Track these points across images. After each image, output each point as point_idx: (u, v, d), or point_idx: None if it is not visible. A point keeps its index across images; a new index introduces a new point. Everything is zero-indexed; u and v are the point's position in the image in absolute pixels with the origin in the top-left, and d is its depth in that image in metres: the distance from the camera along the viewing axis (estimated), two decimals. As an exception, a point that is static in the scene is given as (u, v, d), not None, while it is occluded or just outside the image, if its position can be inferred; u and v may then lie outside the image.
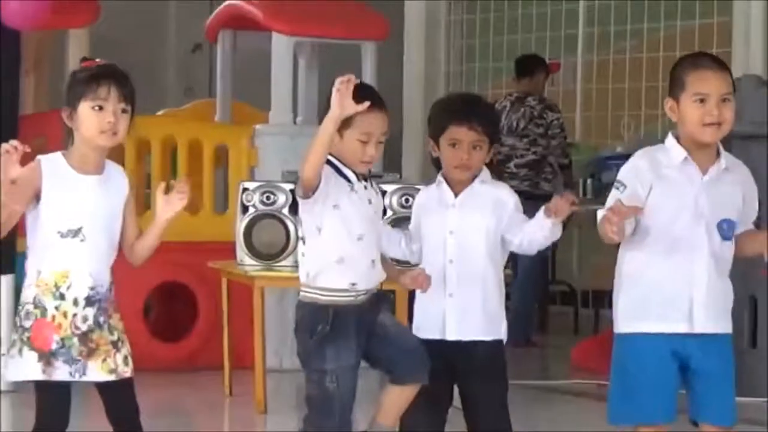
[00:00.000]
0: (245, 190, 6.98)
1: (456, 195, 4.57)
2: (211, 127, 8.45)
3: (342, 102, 4.09)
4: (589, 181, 9.72)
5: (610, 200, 4.28)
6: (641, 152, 4.40)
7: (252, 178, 7.52)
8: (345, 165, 4.34)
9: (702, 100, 4.21)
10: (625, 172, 4.33)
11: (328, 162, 4.27)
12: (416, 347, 4.39)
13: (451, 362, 4.55)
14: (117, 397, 4.15)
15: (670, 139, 4.32)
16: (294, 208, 6.84)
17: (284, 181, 7.12)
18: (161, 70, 13.74)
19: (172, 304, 7.72)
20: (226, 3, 8.59)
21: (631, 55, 10.62)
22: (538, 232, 4.51)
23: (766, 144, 7.38)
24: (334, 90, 4.15)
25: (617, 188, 4.28)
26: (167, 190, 4.14)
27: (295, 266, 6.79)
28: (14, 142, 3.95)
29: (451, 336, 4.52)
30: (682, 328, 4.24)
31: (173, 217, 4.18)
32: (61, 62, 8.03)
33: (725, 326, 4.31)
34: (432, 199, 4.66)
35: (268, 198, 6.92)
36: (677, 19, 10.28)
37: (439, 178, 4.64)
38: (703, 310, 4.24)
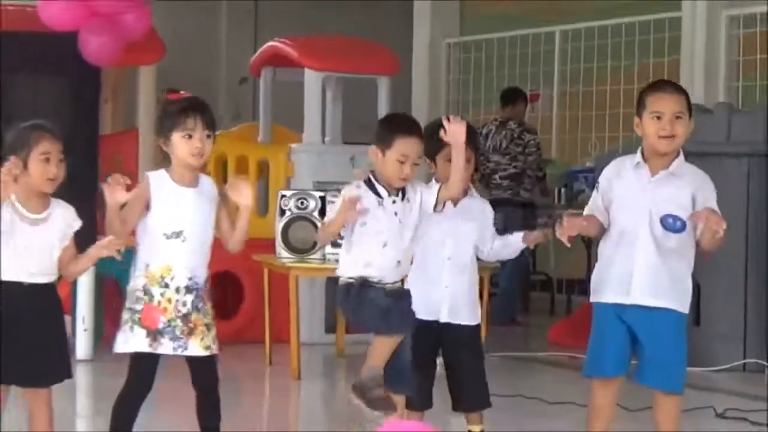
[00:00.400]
0: (283, 196, 6.99)
1: (454, 205, 4.56)
2: (255, 145, 8.43)
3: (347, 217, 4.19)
4: (562, 189, 9.76)
5: (592, 199, 4.38)
6: (616, 160, 4.44)
7: (288, 187, 7.49)
8: (380, 182, 4.35)
9: (658, 117, 4.23)
10: (602, 175, 4.41)
11: (368, 182, 4.32)
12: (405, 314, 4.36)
13: (440, 339, 4.60)
14: (204, 370, 4.15)
15: (639, 151, 4.34)
16: (323, 212, 6.86)
17: (314, 190, 7.13)
18: (214, 98, 13.64)
19: (223, 290, 7.70)
20: (267, 44, 8.59)
21: (597, 88, 10.58)
22: (509, 248, 4.66)
23: (707, 159, 7.34)
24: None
25: (596, 188, 4.38)
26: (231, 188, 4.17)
27: (323, 259, 6.88)
28: (118, 176, 3.98)
29: (443, 319, 4.56)
30: (622, 300, 4.25)
31: (251, 202, 4.22)
32: (133, 92, 8.00)
33: (667, 302, 4.27)
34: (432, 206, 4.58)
35: (301, 203, 6.92)
36: (635, 58, 10.25)
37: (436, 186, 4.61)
38: (640, 286, 4.24)
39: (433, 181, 4.63)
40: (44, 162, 3.91)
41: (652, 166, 4.26)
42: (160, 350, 4.03)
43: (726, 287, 7.04)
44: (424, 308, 4.52)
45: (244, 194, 4.14)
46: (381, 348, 4.33)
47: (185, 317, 4.05)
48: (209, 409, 4.16)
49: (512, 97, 9.73)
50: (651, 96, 4.27)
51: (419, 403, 4.60)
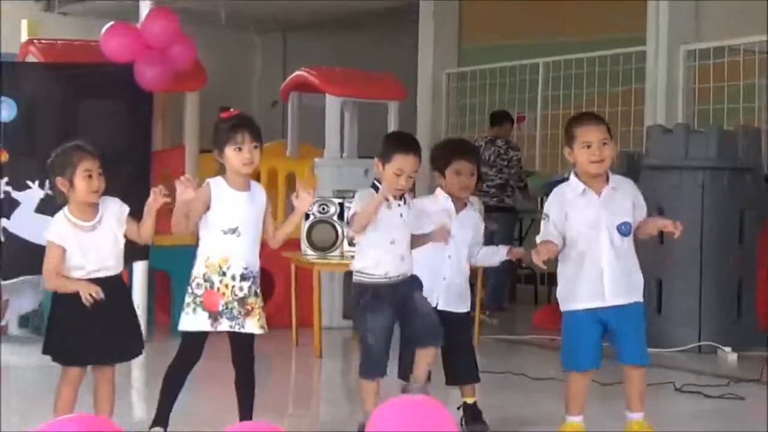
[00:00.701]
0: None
1: (457, 212, 4.63)
2: (284, 159, 8.44)
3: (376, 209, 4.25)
4: (544, 197, 9.74)
5: (543, 228, 4.38)
6: (554, 191, 4.46)
7: (312, 195, 7.51)
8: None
9: (588, 146, 4.28)
10: (546, 208, 4.44)
11: (374, 186, 4.38)
12: (434, 321, 4.39)
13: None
14: (244, 347, 4.18)
15: (572, 176, 4.39)
16: (341, 216, 6.89)
17: (334, 197, 7.15)
18: (248, 119, 13.76)
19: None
20: (294, 73, 8.61)
21: (574, 112, 10.54)
22: (495, 257, 4.74)
23: (668, 172, 7.35)
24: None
25: (544, 219, 4.38)
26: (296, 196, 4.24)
27: (341, 256, 6.89)
28: (188, 176, 4.09)
29: (441, 307, 4.59)
30: (599, 304, 4.32)
31: (303, 214, 4.35)
32: (180, 114, 8.02)
33: (632, 297, 4.37)
34: (441, 209, 4.66)
35: (323, 209, 6.94)
36: (607, 86, 10.24)
37: (446, 195, 4.66)
38: (611, 290, 4.31)
39: (438, 189, 4.69)
40: (87, 178, 3.94)
41: (594, 187, 4.33)
42: (220, 328, 4.07)
43: (683, 282, 7.05)
44: (429, 297, 4.57)
45: (305, 202, 4.22)
46: (366, 391, 4.38)
47: (242, 300, 4.08)
48: (246, 384, 4.20)
49: (499, 118, 9.78)
50: (579, 128, 4.33)
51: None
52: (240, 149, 4.07)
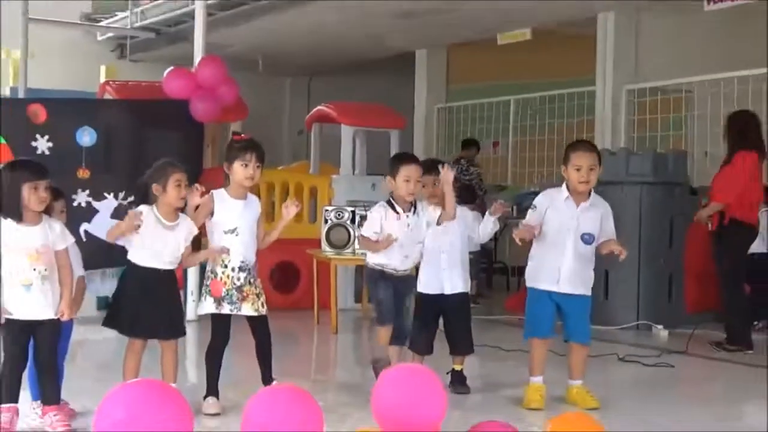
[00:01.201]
0: (326, 210, 6.97)
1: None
2: (308, 176, 8.43)
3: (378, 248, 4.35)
4: (515, 207, 9.72)
5: (529, 215, 4.40)
6: (546, 191, 4.49)
7: (330, 204, 7.50)
8: (398, 203, 4.39)
9: (578, 169, 4.27)
10: (536, 201, 4.44)
11: (388, 202, 4.41)
12: (407, 327, 4.49)
13: (441, 306, 4.62)
14: (259, 326, 4.16)
15: (564, 186, 4.38)
16: (353, 220, 6.87)
17: (347, 206, 7.08)
18: (280, 144, 13.80)
19: (286, 273, 7.72)
20: (316, 108, 8.59)
21: (538, 138, 10.59)
22: (488, 225, 4.62)
23: (613, 186, 7.34)
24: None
25: (532, 208, 4.40)
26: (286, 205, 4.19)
27: (353, 253, 6.84)
28: (196, 185, 4.02)
29: (446, 291, 4.60)
30: (554, 288, 4.34)
31: (288, 221, 4.21)
32: (225, 140, 8.02)
33: (581, 290, 4.37)
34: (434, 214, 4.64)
35: (338, 215, 6.90)
36: (565, 117, 10.27)
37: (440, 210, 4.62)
38: (564, 280, 4.32)
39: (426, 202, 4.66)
40: (177, 187, 3.92)
41: (576, 200, 4.33)
42: (223, 311, 4.05)
43: (625, 274, 7.02)
44: (432, 285, 4.60)
45: (290, 212, 4.16)
46: (380, 335, 4.47)
47: (239, 288, 4.06)
48: (264, 354, 4.18)
49: (466, 143, 9.89)
50: (574, 153, 4.32)
51: (424, 350, 4.64)
52: (246, 165, 4.05)
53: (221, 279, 4.04)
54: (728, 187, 6.10)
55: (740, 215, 6.11)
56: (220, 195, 4.09)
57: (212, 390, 4.09)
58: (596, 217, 4.35)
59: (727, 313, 6.28)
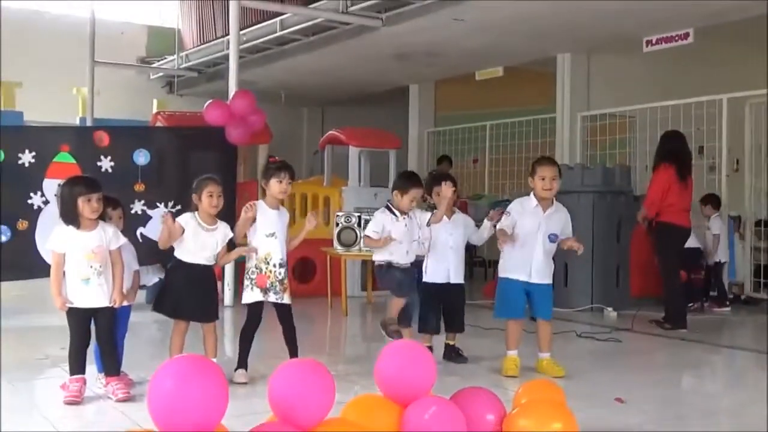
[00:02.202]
0: (337, 215, 6.96)
1: (449, 218, 4.59)
2: (322, 188, 8.39)
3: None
4: (491, 211, 9.72)
5: (504, 219, 4.36)
6: (518, 200, 4.45)
7: (340, 210, 7.48)
8: (396, 208, 4.39)
9: (543, 179, 4.24)
10: (510, 208, 4.41)
11: (387, 207, 4.40)
12: (411, 310, 4.46)
13: (445, 293, 4.60)
14: (286, 313, 4.12)
15: (531, 195, 4.36)
16: (359, 224, 6.85)
17: (355, 212, 7.07)
18: (299, 163, 13.71)
19: (305, 267, 7.71)
20: (328, 132, 8.57)
21: (509, 156, 10.58)
22: (483, 232, 4.63)
23: (571, 195, 7.33)
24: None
25: (507, 214, 4.36)
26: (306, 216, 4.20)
27: (359, 250, 6.82)
28: (251, 203, 4.03)
29: (452, 281, 4.59)
30: (526, 279, 4.31)
31: (311, 230, 4.19)
32: (255, 159, 8.05)
33: (546, 279, 4.36)
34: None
35: (347, 219, 6.90)
36: (531, 138, 10.25)
37: (429, 214, 4.59)
38: (534, 272, 4.31)
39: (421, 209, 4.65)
40: (210, 197, 3.90)
41: (542, 205, 4.30)
42: (269, 299, 4.02)
43: (582, 266, 7.02)
44: (439, 275, 4.57)
45: (311, 223, 4.15)
46: (395, 304, 4.39)
47: (281, 281, 4.04)
48: (290, 337, 4.15)
49: (440, 159, 10.10)
50: (539, 166, 4.32)
51: (432, 330, 4.62)
52: (281, 182, 4.05)
53: (266, 274, 4.02)
54: (650, 195, 6.20)
55: (668, 219, 6.15)
56: (260, 205, 4.09)
57: (242, 363, 4.07)
58: (559, 220, 4.35)
59: (666, 298, 6.27)
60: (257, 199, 4.13)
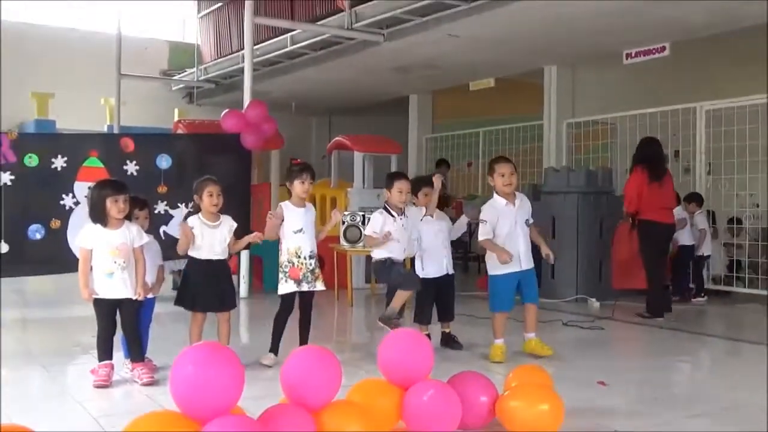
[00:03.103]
0: (343, 215, 6.95)
1: (433, 216, 4.59)
2: (330, 189, 8.37)
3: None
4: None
5: (481, 229, 4.31)
6: (486, 205, 4.39)
7: (346, 209, 7.46)
8: (392, 209, 4.35)
9: (502, 175, 4.24)
10: (483, 216, 4.34)
11: (385, 208, 4.35)
12: (415, 278, 4.40)
13: (440, 285, 4.60)
14: (309, 301, 4.12)
15: (495, 195, 4.35)
16: (363, 222, 6.84)
17: (359, 211, 7.07)
18: (308, 166, 13.74)
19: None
20: (335, 138, 8.53)
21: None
22: (461, 227, 4.68)
23: (557, 195, 7.31)
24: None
25: (483, 223, 4.32)
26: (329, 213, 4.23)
27: (364, 246, 6.75)
28: (273, 212, 4.04)
29: (447, 272, 4.58)
30: (517, 268, 4.29)
31: (336, 222, 4.24)
32: (268, 163, 8.04)
33: (531, 264, 4.35)
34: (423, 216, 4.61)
35: (353, 219, 6.89)
36: (520, 144, 10.24)
37: (424, 209, 4.61)
38: (523, 260, 4.30)
39: (412, 205, 4.64)
40: (210, 196, 3.89)
41: (510, 201, 4.30)
42: (303, 289, 4.02)
43: (568, 259, 7.01)
44: (433, 269, 4.56)
45: (336, 218, 4.20)
46: (401, 297, 4.36)
47: (312, 271, 4.04)
48: (306, 321, 4.14)
49: (438, 163, 10.08)
50: (497, 165, 4.33)
51: (426, 320, 4.61)
52: (303, 182, 4.05)
53: (298, 266, 4.02)
54: (626, 194, 6.25)
55: (649, 216, 6.13)
56: (287, 205, 4.09)
57: (274, 348, 4.09)
58: (526, 206, 4.39)
59: (648, 290, 6.26)
60: (269, 199, 4.15)
